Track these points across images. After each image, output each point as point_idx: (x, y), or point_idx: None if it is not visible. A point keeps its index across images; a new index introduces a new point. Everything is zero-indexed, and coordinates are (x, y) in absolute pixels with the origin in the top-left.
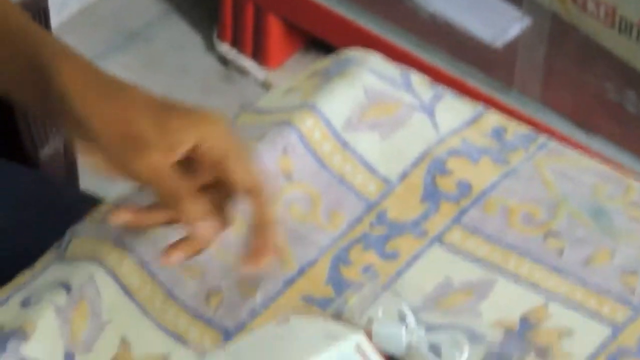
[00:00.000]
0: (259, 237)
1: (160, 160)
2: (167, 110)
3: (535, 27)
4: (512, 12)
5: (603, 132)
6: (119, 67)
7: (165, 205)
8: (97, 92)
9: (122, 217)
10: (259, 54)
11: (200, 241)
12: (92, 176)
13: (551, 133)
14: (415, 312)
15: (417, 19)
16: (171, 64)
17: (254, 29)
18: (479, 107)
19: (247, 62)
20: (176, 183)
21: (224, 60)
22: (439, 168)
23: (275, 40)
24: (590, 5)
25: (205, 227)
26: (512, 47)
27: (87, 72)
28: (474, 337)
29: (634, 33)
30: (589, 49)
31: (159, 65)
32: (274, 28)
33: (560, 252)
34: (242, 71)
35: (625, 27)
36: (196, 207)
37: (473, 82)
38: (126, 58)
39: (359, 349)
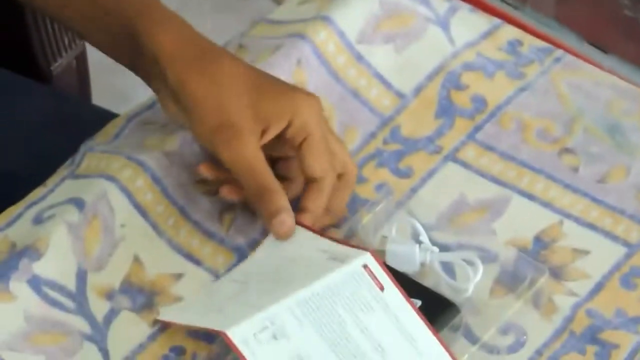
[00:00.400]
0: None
1: (254, 150)
2: (261, 93)
3: None
4: None
5: (617, 50)
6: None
7: (252, 195)
8: (191, 64)
9: (211, 173)
10: None
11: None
12: (103, 90)
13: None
14: (428, 230)
15: None
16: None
17: None
18: (495, 20)
19: None
20: (269, 177)
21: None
22: (453, 82)
23: None
24: None
25: (284, 221)
26: None
27: (181, 38)
28: (487, 257)
29: None
30: None
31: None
32: None
33: (575, 169)
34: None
35: None
36: (284, 202)
37: None
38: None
39: (367, 268)
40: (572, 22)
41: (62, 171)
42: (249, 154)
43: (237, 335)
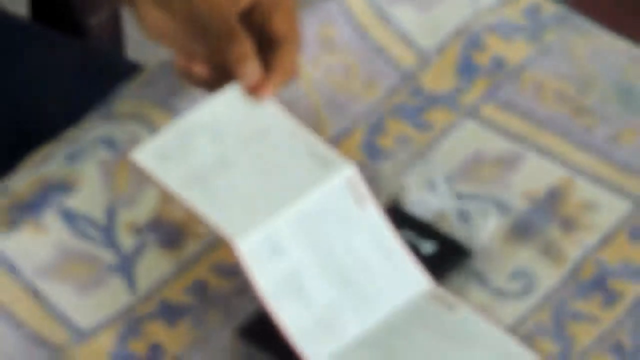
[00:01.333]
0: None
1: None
2: None
3: None
4: None
5: (633, 30)
6: None
7: (221, 41)
8: None
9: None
10: None
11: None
12: (137, 44)
13: None
14: (446, 181)
15: None
16: None
17: None
18: None
19: None
20: (239, 27)
21: None
22: (474, 42)
23: None
24: None
25: (253, 67)
26: None
27: None
28: (501, 207)
29: None
30: None
31: None
32: None
33: (589, 129)
34: None
35: None
36: (252, 50)
37: None
38: None
39: (349, 184)
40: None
41: (96, 114)
42: (223, 2)
43: (246, 246)
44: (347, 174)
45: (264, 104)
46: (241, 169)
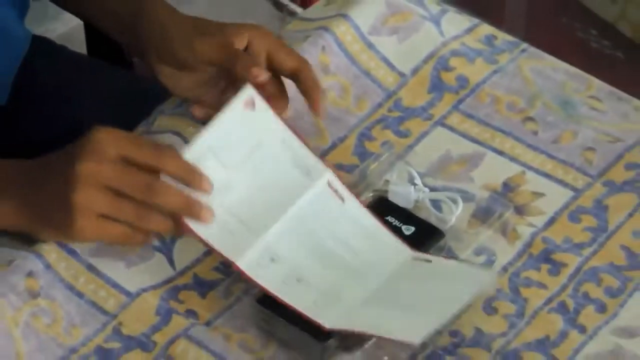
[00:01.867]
0: (312, 96)
1: (224, 38)
2: (227, 23)
3: None
4: None
5: (572, 63)
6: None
7: (228, 62)
8: (169, 10)
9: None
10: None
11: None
12: None
13: None
14: (421, 176)
15: None
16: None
17: None
18: (475, 19)
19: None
20: (240, 50)
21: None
22: (443, 65)
23: None
24: None
25: (260, 72)
26: None
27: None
28: (466, 196)
29: None
30: None
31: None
32: None
33: (536, 133)
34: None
35: None
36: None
37: None
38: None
39: (330, 185)
40: (537, 42)
41: (140, 128)
42: (221, 38)
43: (244, 264)
44: (326, 179)
45: (259, 116)
46: (239, 189)
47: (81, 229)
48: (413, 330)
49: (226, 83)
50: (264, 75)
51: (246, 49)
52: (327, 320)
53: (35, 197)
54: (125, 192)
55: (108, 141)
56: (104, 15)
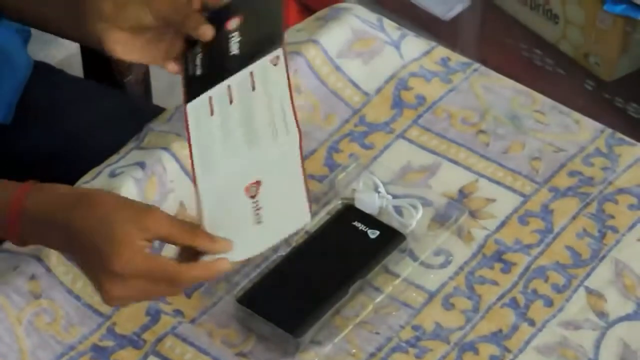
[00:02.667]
0: None
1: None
2: None
3: (472, 6)
4: None
5: (519, 80)
6: None
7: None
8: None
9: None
10: None
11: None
12: (160, 94)
13: None
14: (385, 185)
15: None
16: None
17: None
18: (432, 43)
19: None
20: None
21: None
22: (403, 85)
23: (292, 16)
24: None
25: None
26: (456, 20)
27: None
28: (426, 203)
29: (541, 10)
30: (510, 22)
31: None
32: (291, 7)
33: (487, 144)
34: None
35: (535, 6)
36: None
37: None
38: None
39: (275, 61)
40: (489, 62)
41: (131, 144)
42: None
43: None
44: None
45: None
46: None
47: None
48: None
49: (170, 39)
50: (209, 32)
51: None
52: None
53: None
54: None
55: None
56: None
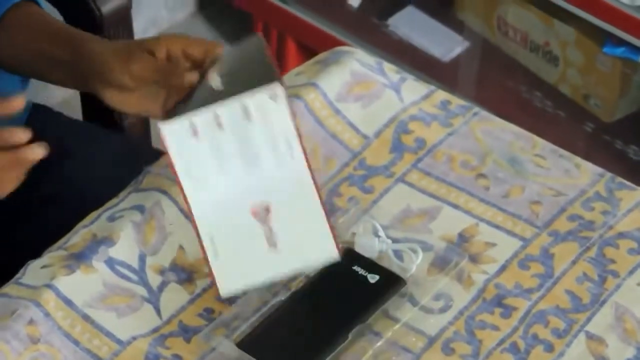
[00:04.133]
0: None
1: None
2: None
3: (472, 48)
4: (456, 37)
5: (519, 122)
6: None
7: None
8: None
9: None
10: (280, 67)
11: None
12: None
13: None
14: (385, 229)
15: (391, 41)
16: None
17: (278, 49)
18: (431, 86)
19: None
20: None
21: None
22: (402, 128)
23: (292, 57)
24: (510, 32)
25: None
26: (455, 62)
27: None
28: (426, 247)
29: (540, 52)
30: (509, 63)
31: None
32: (291, 48)
33: (487, 188)
34: None
35: (534, 48)
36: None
37: None
38: None
39: (274, 97)
40: (488, 103)
41: (129, 187)
42: (147, 58)
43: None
44: (270, 90)
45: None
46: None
47: None
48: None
49: (166, 93)
50: (194, 77)
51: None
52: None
53: None
54: None
55: None
56: (44, 62)
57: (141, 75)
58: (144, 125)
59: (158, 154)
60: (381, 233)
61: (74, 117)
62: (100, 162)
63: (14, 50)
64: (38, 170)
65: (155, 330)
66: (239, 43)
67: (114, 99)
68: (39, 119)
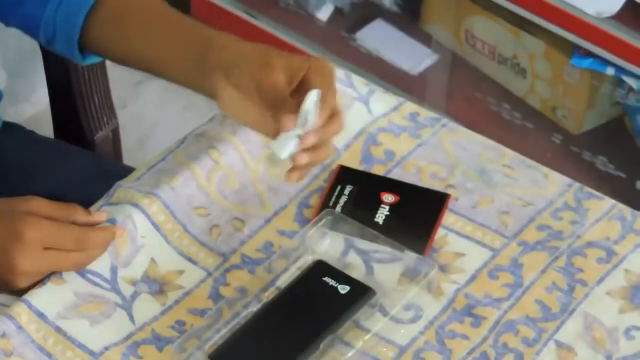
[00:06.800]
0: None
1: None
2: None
3: (440, 61)
4: (424, 50)
5: (488, 133)
6: (157, 89)
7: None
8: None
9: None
10: None
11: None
12: (130, 154)
13: None
14: (355, 240)
15: (360, 54)
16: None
17: None
18: (401, 98)
19: None
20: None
21: None
22: (372, 140)
23: None
24: (478, 45)
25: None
26: (424, 75)
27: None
28: (396, 258)
29: (508, 64)
30: (478, 76)
31: (180, 88)
32: None
33: (456, 199)
34: None
35: (502, 60)
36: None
37: None
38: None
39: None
40: (457, 115)
41: (101, 201)
42: (286, 70)
43: None
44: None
45: None
46: None
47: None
48: None
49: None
50: (290, 125)
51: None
52: None
53: None
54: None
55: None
56: (163, 51)
57: (265, 94)
58: (115, 141)
59: (129, 170)
60: (353, 244)
61: (44, 134)
62: (71, 180)
63: (126, 39)
64: (10, 190)
65: (128, 337)
66: None
67: (230, 102)
68: (11, 137)
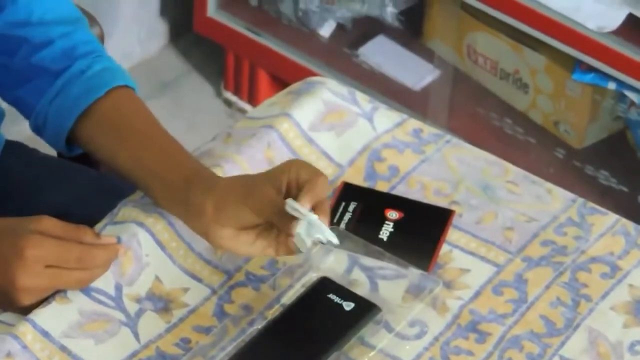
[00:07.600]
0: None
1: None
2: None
3: (442, 76)
4: (426, 65)
5: (490, 149)
6: (159, 108)
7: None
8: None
9: None
10: (253, 98)
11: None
12: None
13: None
14: (359, 257)
15: (362, 70)
16: (192, 105)
17: (249, 80)
18: (404, 115)
19: (245, 104)
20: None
21: (228, 103)
22: (376, 156)
23: (263, 88)
24: (480, 60)
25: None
26: (426, 90)
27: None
28: (400, 274)
29: (510, 79)
30: (480, 91)
31: (182, 106)
32: (263, 79)
33: (460, 215)
34: (241, 110)
35: (504, 75)
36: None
37: None
38: (159, 100)
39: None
40: (459, 130)
41: (106, 219)
42: (270, 193)
43: None
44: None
45: None
46: None
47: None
48: None
49: (275, 234)
50: (293, 230)
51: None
52: None
53: None
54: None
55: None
56: (147, 176)
57: (263, 212)
58: None
59: (132, 187)
60: (357, 261)
61: (47, 152)
62: (74, 197)
63: (113, 152)
64: (13, 208)
65: (133, 354)
66: None
67: (223, 238)
68: (13, 156)
